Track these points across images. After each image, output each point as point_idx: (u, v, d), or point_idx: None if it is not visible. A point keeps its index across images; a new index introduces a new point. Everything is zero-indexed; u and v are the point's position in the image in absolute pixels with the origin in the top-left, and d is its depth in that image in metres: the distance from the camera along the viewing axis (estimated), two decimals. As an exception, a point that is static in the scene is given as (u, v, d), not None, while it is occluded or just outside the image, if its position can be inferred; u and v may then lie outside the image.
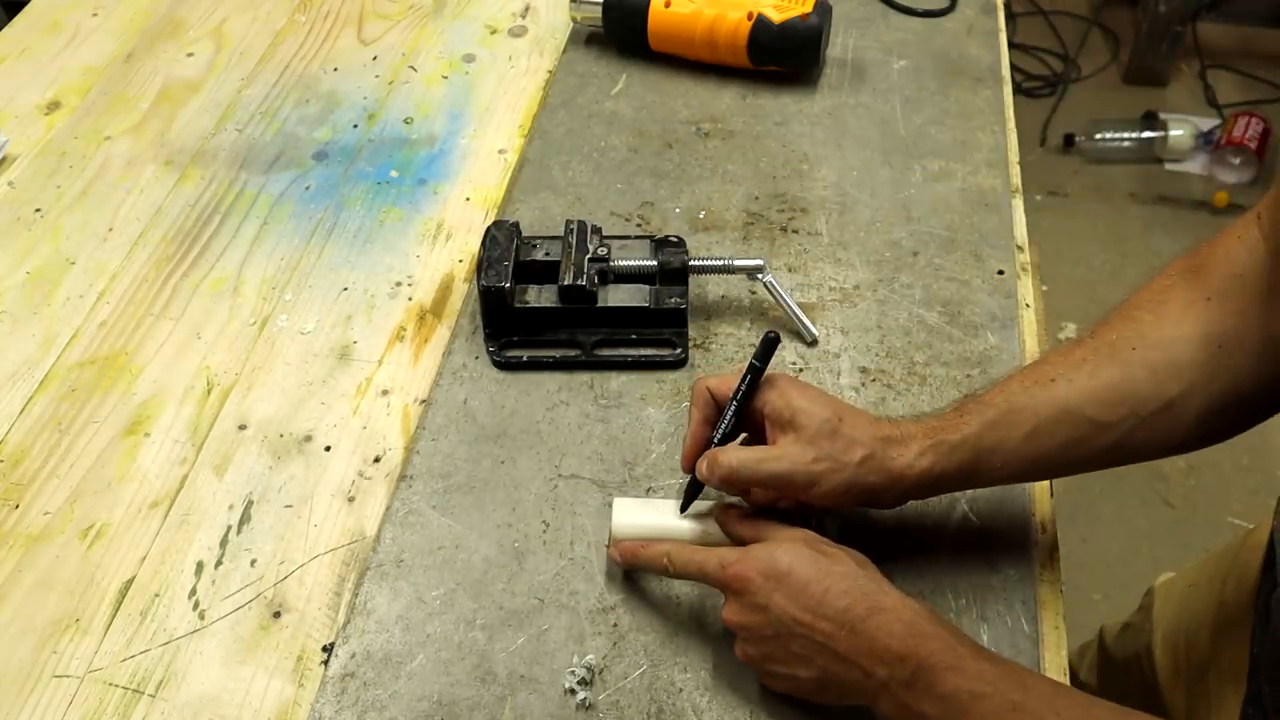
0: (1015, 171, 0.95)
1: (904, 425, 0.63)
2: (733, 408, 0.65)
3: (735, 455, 0.62)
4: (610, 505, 0.68)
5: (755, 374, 0.64)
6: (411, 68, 1.08)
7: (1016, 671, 0.55)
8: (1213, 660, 0.81)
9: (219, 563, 0.70)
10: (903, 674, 0.54)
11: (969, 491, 0.71)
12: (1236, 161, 2.35)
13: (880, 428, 0.62)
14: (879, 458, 0.61)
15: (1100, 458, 0.62)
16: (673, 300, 0.80)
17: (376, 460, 0.75)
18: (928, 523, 0.70)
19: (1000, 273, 0.86)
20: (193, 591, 0.68)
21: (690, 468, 0.65)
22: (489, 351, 0.80)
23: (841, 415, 0.62)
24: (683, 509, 0.67)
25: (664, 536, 0.65)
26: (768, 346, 0.64)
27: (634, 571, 0.68)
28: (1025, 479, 0.68)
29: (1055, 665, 0.64)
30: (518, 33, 1.13)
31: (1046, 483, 0.73)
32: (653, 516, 0.66)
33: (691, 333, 0.82)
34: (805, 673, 0.58)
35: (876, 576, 0.58)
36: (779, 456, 0.61)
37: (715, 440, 0.65)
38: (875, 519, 0.70)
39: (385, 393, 0.79)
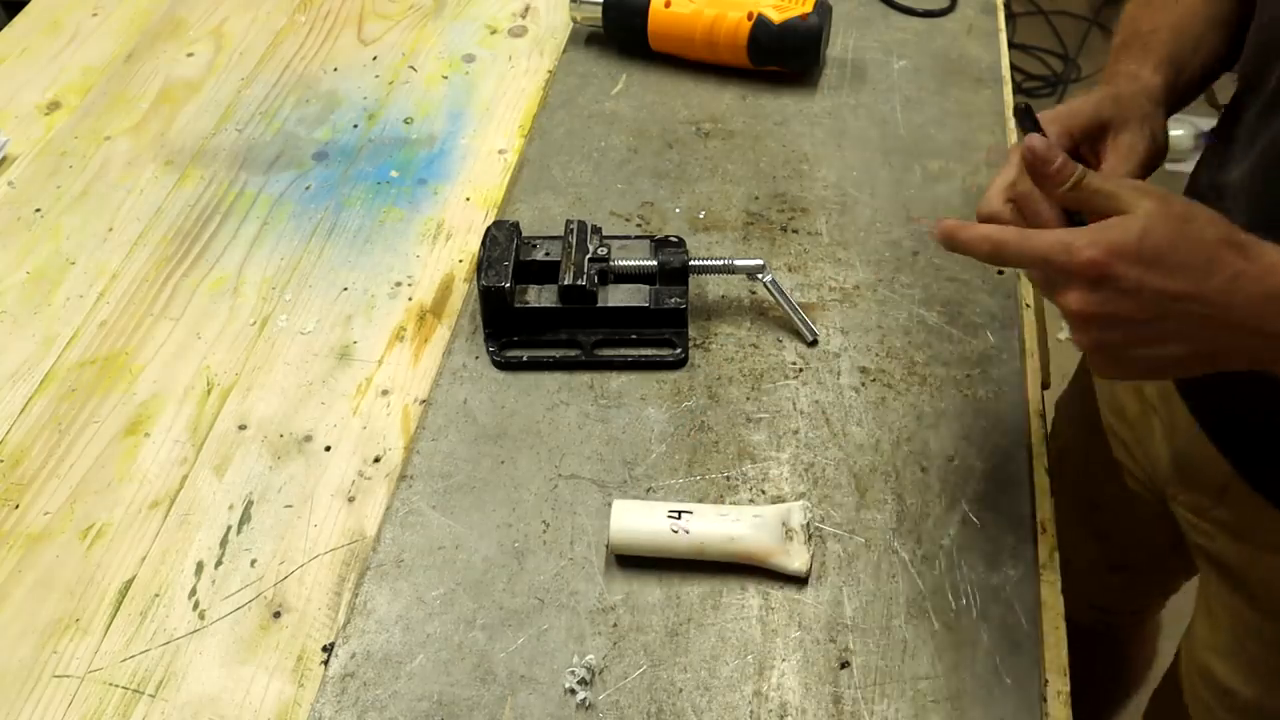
0: (1015, 171, 0.95)
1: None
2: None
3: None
4: (610, 505, 0.68)
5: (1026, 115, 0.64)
6: (411, 68, 1.08)
7: None
8: None
9: (219, 563, 0.70)
10: None
11: (969, 491, 0.72)
12: (1236, 161, 2.35)
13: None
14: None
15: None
16: (673, 300, 0.80)
17: (376, 460, 0.75)
18: (927, 522, 0.70)
19: (1000, 273, 0.86)
20: (193, 591, 0.68)
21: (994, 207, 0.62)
22: (489, 351, 0.80)
23: None
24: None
25: (663, 545, 0.66)
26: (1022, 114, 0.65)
27: (635, 569, 0.68)
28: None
29: (1055, 665, 0.64)
30: (518, 33, 1.13)
31: (1046, 482, 0.73)
32: (653, 521, 0.67)
33: (691, 333, 0.82)
34: (1178, 350, 0.54)
35: (1244, 234, 0.53)
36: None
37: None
38: (875, 517, 0.70)
39: (385, 393, 0.79)
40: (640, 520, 0.67)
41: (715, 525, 0.67)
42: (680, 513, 0.67)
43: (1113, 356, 0.56)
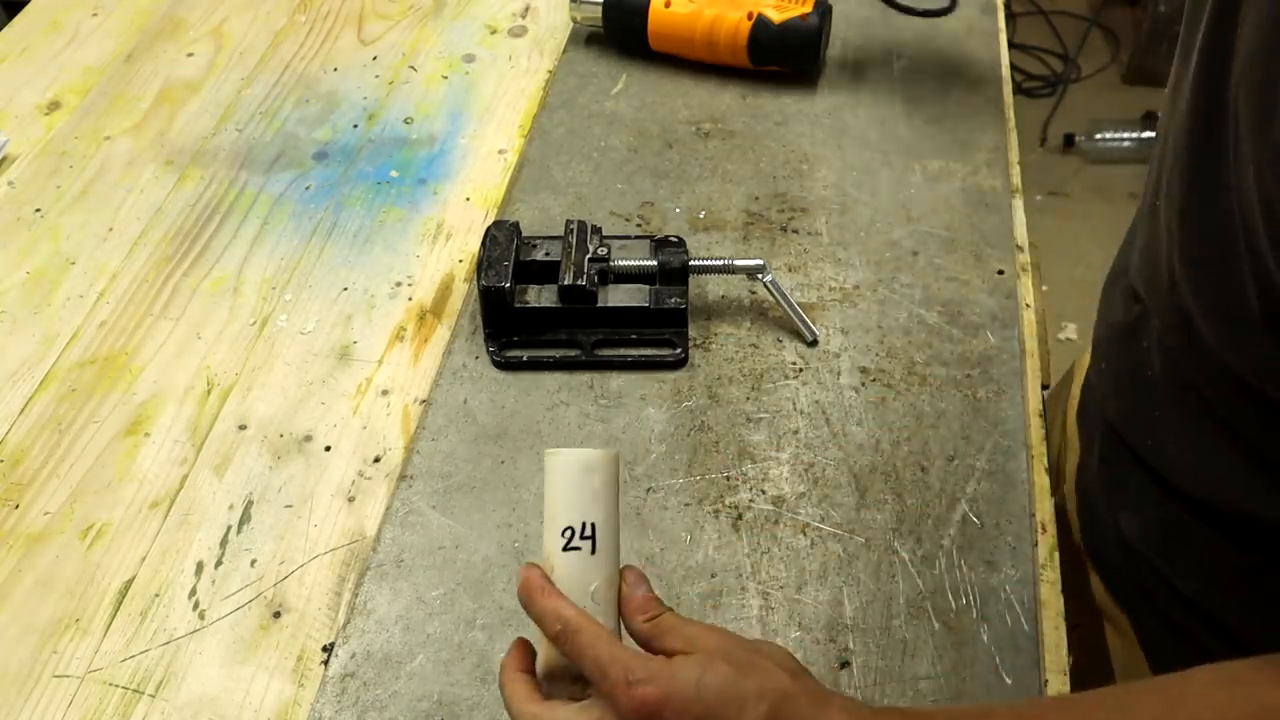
0: (1015, 171, 0.95)
1: None
2: None
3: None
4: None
5: None
6: (411, 68, 1.08)
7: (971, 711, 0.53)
8: None
9: (219, 563, 0.70)
10: None
11: (969, 491, 0.72)
12: (1236, 161, 2.35)
13: None
14: None
15: None
16: (673, 300, 0.80)
17: (376, 460, 0.75)
18: (927, 522, 0.70)
19: (1000, 273, 0.86)
20: (193, 591, 0.68)
21: None
22: (489, 351, 0.80)
23: None
24: None
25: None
26: None
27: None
28: None
29: (1055, 665, 0.64)
30: (518, 33, 1.13)
31: (1046, 482, 0.73)
32: (565, 517, 0.52)
33: (691, 333, 0.82)
34: None
35: (801, 679, 0.49)
36: None
37: None
38: (875, 517, 0.70)
39: (385, 393, 0.79)
40: (566, 501, 0.52)
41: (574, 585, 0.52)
42: (591, 531, 0.52)
43: None
